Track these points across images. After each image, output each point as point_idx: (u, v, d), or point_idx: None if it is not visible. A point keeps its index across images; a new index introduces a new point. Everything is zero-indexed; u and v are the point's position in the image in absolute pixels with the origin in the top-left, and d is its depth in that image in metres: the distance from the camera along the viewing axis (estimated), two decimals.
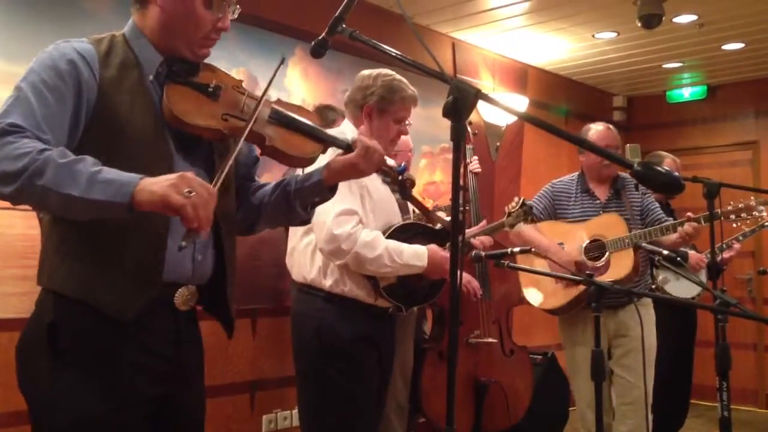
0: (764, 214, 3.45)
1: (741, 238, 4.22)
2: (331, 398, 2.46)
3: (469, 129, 4.02)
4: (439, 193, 4.82)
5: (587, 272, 2.46)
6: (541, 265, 3.40)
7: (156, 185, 1.34)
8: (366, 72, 2.61)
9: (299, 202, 1.73)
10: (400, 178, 1.72)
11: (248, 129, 1.51)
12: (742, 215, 3.35)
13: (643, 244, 2.85)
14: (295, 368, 2.64)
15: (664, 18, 4.52)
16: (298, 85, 4.08)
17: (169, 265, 1.54)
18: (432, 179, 4.94)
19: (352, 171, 1.68)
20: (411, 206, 2.72)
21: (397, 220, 2.61)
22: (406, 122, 2.59)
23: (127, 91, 1.53)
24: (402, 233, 2.55)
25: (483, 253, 2.45)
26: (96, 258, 1.49)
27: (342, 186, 1.99)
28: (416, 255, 2.47)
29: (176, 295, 1.59)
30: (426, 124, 4.77)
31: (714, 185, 2.52)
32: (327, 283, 2.48)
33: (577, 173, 3.64)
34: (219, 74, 1.65)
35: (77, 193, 1.33)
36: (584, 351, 3.27)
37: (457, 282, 1.25)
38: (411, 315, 3.73)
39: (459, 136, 1.25)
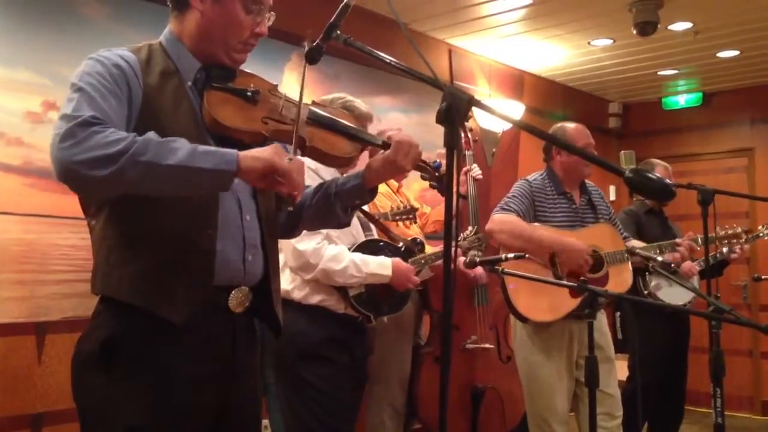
0: (761, 227, 3.49)
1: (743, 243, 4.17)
2: (308, 399, 2.59)
3: (470, 135, 4.04)
4: (436, 199, 4.83)
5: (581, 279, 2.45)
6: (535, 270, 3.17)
7: (259, 152, 1.43)
8: (323, 97, 2.80)
9: (340, 205, 1.75)
10: (437, 174, 1.73)
11: (296, 132, 1.54)
12: (733, 241, 3.37)
13: (638, 251, 2.83)
14: (273, 378, 2.77)
15: (659, 25, 4.54)
16: (294, 90, 4.09)
17: (220, 267, 1.55)
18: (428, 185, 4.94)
19: (392, 169, 1.68)
20: (372, 225, 2.84)
21: (361, 238, 2.75)
22: None
23: (168, 98, 1.55)
24: (366, 249, 2.72)
25: (477, 259, 2.45)
26: (147, 262, 1.50)
27: None
28: (381, 265, 2.66)
29: (230, 297, 1.59)
30: (422, 130, 4.78)
31: (708, 192, 2.54)
32: (297, 296, 2.63)
33: (543, 172, 3.36)
34: (255, 79, 1.68)
35: (184, 163, 1.37)
36: (560, 361, 3.15)
37: (450, 288, 1.26)
38: (409, 321, 3.73)
39: (452, 143, 1.25)
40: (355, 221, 2.72)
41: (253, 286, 1.65)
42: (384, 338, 3.65)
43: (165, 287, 1.49)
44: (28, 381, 3.04)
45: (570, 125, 3.38)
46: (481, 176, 3.97)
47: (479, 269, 3.77)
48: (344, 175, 1.79)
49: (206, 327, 1.55)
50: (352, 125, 1.71)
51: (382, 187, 3.83)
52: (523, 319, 3.16)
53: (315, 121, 1.66)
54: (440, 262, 3.14)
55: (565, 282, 2.40)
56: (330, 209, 1.76)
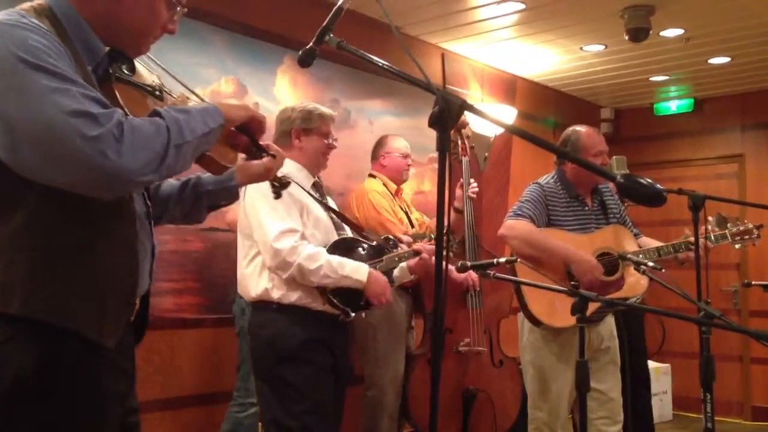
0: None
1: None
2: (288, 402, 2.58)
3: (467, 142, 4.02)
4: (427, 203, 4.83)
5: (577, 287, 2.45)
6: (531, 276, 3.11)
7: (231, 103, 1.49)
8: (286, 106, 2.93)
9: (206, 204, 1.74)
10: (280, 175, 1.75)
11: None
12: (746, 237, 3.37)
13: (629, 255, 2.83)
14: (254, 380, 2.75)
15: (651, 32, 4.57)
16: (286, 93, 4.09)
17: (140, 281, 1.50)
18: (420, 189, 4.95)
19: (266, 173, 1.66)
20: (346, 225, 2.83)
21: (333, 236, 2.76)
22: (333, 139, 2.83)
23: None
24: (340, 247, 2.72)
25: (469, 263, 2.45)
26: (76, 283, 1.36)
27: (283, 205, 2.47)
28: (357, 270, 2.66)
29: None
30: (414, 134, 4.78)
31: (699, 197, 2.54)
32: (275, 295, 2.63)
33: (555, 175, 3.30)
34: (142, 72, 1.56)
35: (207, 129, 1.38)
36: (571, 368, 3.13)
37: (441, 290, 1.26)
38: (402, 325, 3.73)
39: (444, 147, 1.25)
40: (327, 221, 2.75)
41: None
42: (378, 342, 3.65)
43: (99, 310, 1.39)
44: None
45: (584, 130, 3.32)
46: (476, 193, 3.89)
47: (475, 275, 3.77)
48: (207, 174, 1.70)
49: (125, 341, 1.49)
50: None
51: (380, 187, 3.84)
52: (537, 323, 3.15)
53: None
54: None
55: (554, 286, 2.39)
56: (196, 206, 1.73)
